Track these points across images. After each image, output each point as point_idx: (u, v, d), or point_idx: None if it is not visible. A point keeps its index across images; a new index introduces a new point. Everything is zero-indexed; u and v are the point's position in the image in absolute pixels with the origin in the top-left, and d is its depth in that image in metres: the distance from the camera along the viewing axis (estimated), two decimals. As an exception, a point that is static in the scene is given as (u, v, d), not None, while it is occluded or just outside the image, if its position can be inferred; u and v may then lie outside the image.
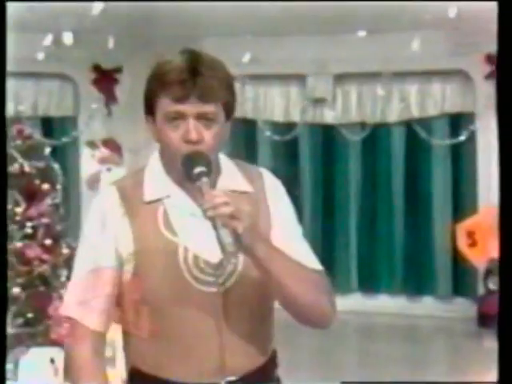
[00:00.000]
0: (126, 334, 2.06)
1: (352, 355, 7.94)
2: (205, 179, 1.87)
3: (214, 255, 1.94)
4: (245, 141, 9.80)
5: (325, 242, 9.49)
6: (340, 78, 9.34)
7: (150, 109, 1.97)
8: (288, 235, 2.05)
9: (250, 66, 9.18)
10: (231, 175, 2.04)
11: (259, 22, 8.16)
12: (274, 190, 2.09)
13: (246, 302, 2.01)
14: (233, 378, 2.00)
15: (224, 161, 2.07)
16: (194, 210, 1.93)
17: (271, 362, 2.11)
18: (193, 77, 1.88)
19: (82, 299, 2.00)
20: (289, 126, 9.59)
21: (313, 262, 2.07)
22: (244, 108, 9.59)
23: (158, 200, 1.97)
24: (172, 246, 1.94)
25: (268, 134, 9.55)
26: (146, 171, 2.04)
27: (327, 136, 9.59)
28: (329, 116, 9.50)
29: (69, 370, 2.05)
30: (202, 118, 1.91)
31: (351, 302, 9.29)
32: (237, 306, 1.99)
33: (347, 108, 9.46)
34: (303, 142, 9.62)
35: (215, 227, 1.82)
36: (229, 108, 1.97)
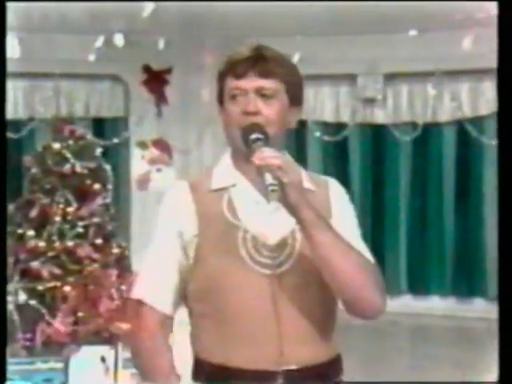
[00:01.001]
0: (191, 322, 2.11)
1: (402, 357, 7.88)
2: (260, 143, 1.95)
3: (272, 238, 2.01)
4: (295, 141, 9.78)
5: (374, 243, 9.43)
6: (391, 78, 9.28)
7: (220, 97, 2.11)
8: (345, 233, 2.03)
9: (299, 66, 9.15)
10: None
11: (309, 22, 8.15)
12: (339, 195, 2.17)
13: (303, 287, 2.01)
14: (292, 367, 1.99)
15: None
16: (258, 199, 2.02)
17: (334, 364, 2.10)
18: (253, 56, 2.06)
19: (151, 283, 2.08)
20: (339, 126, 9.56)
21: (367, 255, 2.06)
22: (294, 108, 9.61)
23: (224, 188, 2.07)
24: (233, 228, 2.02)
25: (318, 134, 9.53)
26: (215, 166, 2.15)
27: (377, 136, 9.54)
28: (379, 116, 9.45)
29: (137, 354, 2.10)
30: (260, 92, 2.03)
31: (401, 304, 9.23)
32: (293, 290, 2.00)
33: (398, 108, 9.40)
34: (353, 142, 9.58)
35: (261, 174, 1.88)
36: (292, 91, 2.08)
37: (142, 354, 2.07)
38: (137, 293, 2.10)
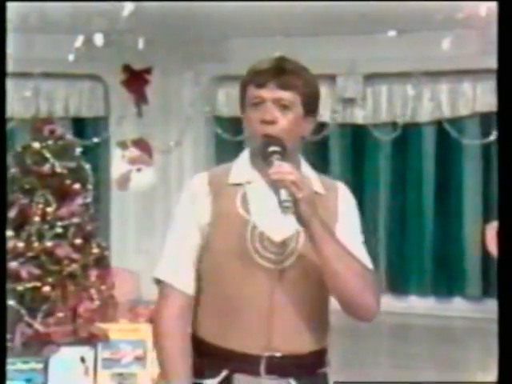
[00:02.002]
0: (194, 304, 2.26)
1: (383, 355, 7.92)
2: (276, 156, 2.11)
3: (278, 235, 2.18)
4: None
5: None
6: (370, 78, 9.32)
7: (242, 104, 2.27)
8: (349, 238, 2.19)
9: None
10: (309, 176, 2.26)
11: (289, 22, 8.17)
12: (346, 200, 2.31)
13: (302, 283, 2.18)
14: (274, 354, 2.17)
15: (305, 164, 2.33)
16: (270, 197, 2.15)
17: (319, 356, 2.27)
18: (274, 68, 2.19)
19: (172, 264, 2.25)
20: (319, 126, 9.57)
21: (367, 262, 2.23)
22: (274, 108, 9.62)
23: (240, 184, 2.24)
24: (243, 222, 2.18)
25: (298, 134, 9.54)
26: (235, 162, 2.32)
27: (357, 136, 9.57)
28: (359, 116, 9.49)
29: (156, 332, 2.24)
30: (278, 103, 2.17)
31: (381, 303, 9.27)
32: (292, 285, 2.17)
33: (378, 108, 9.44)
34: (333, 142, 9.61)
35: (277, 189, 2.05)
36: (308, 103, 2.22)
37: (159, 328, 2.22)
38: (160, 274, 2.26)
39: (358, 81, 9.28)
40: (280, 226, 2.16)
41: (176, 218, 2.28)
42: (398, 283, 9.37)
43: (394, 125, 9.34)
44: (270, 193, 2.18)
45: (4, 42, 2.31)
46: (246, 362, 2.17)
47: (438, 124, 9.20)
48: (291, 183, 2.04)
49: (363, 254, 2.23)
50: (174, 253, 2.25)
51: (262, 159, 2.16)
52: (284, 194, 2.03)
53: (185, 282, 2.22)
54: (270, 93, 2.17)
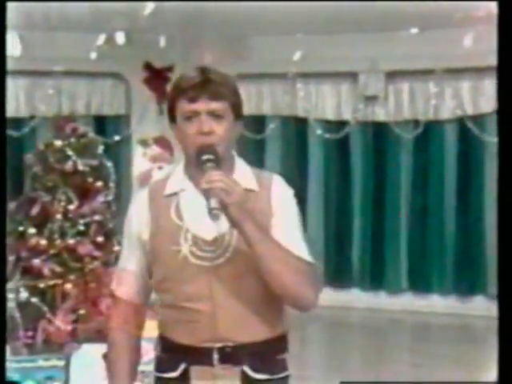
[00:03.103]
0: (156, 307, 2.44)
1: (404, 355, 7.89)
2: (210, 165, 2.23)
3: (209, 234, 2.31)
4: (296, 139, 9.79)
5: (375, 242, 9.45)
6: (392, 76, 9.28)
7: (172, 116, 2.36)
8: (284, 232, 2.30)
9: (301, 64, 9.18)
10: (243, 174, 2.36)
11: (310, 20, 8.15)
12: (280, 193, 2.37)
13: (238, 276, 2.30)
14: (226, 344, 2.31)
15: (239, 162, 2.41)
16: (202, 202, 2.25)
17: (275, 343, 2.37)
18: (203, 81, 2.29)
19: (119, 276, 2.45)
20: (340, 124, 9.56)
21: (304, 255, 2.31)
22: (295, 106, 9.60)
23: (175, 193, 2.37)
24: (177, 228, 2.33)
25: (319, 132, 9.54)
26: (171, 174, 2.44)
27: (379, 134, 9.54)
28: (381, 114, 9.45)
29: (107, 340, 2.44)
30: (212, 114, 2.28)
31: (402, 302, 9.24)
32: (229, 279, 2.30)
33: (399, 105, 9.40)
34: (355, 140, 9.58)
35: (207, 197, 2.17)
36: (236, 109, 2.33)
37: (108, 346, 2.44)
38: (112, 284, 2.46)
39: (379, 78, 9.25)
40: (210, 226, 2.27)
41: (123, 232, 2.46)
42: (419, 282, 9.33)
43: (415, 122, 9.29)
44: (201, 198, 2.27)
45: (4, 42, 2.31)
46: (200, 355, 2.32)
47: (460, 121, 9.15)
48: (220, 190, 2.15)
49: (301, 247, 2.31)
50: (122, 265, 2.45)
51: (197, 168, 2.26)
52: (213, 202, 2.15)
53: (127, 292, 2.42)
54: (203, 105, 2.27)
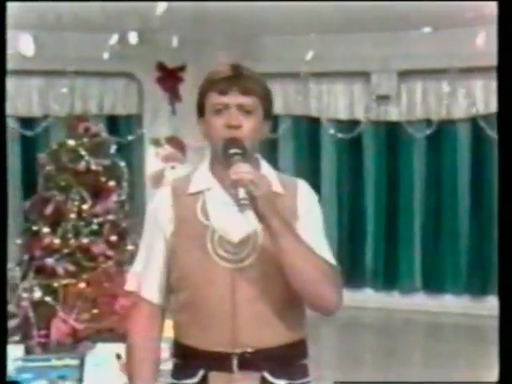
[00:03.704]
0: (172, 308, 2.41)
1: (416, 354, 7.88)
2: (237, 157, 2.20)
3: (235, 236, 2.29)
4: (308, 138, 9.79)
5: (388, 241, 9.43)
6: (405, 75, 9.26)
7: (201, 110, 2.37)
8: (309, 236, 2.27)
9: (313, 64, 9.17)
10: (268, 175, 2.31)
11: (322, 20, 8.14)
12: (306, 198, 2.37)
13: (263, 279, 2.28)
14: (246, 350, 2.26)
15: (264, 164, 2.40)
16: (228, 201, 2.28)
17: (294, 348, 2.34)
18: (234, 75, 2.31)
19: (139, 275, 2.40)
20: (353, 124, 9.55)
21: (328, 257, 2.31)
22: (308, 106, 9.59)
23: (200, 192, 2.35)
24: (203, 228, 2.30)
25: (332, 131, 9.53)
26: (195, 171, 2.43)
27: (392, 133, 9.52)
28: (393, 113, 9.43)
29: (127, 341, 2.40)
30: (241, 108, 2.28)
31: (415, 302, 9.22)
32: (254, 283, 2.27)
33: (412, 105, 9.38)
34: (367, 139, 9.57)
35: (235, 188, 2.15)
36: (266, 107, 2.33)
37: (130, 348, 2.40)
38: (130, 285, 2.43)
39: (392, 78, 9.23)
40: (237, 227, 2.27)
41: (144, 231, 2.45)
42: (432, 282, 9.31)
43: (428, 122, 9.27)
44: (227, 198, 2.29)
45: (4, 42, 2.31)
46: (219, 361, 2.27)
47: (473, 121, 9.12)
48: (249, 182, 2.14)
49: (325, 250, 2.31)
50: (142, 265, 2.42)
51: (223, 165, 2.25)
52: (242, 192, 2.14)
53: (150, 292, 2.38)
54: (233, 99, 2.27)
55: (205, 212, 2.31)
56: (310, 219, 2.33)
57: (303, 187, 2.39)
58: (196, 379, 2.31)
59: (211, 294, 2.27)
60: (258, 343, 2.27)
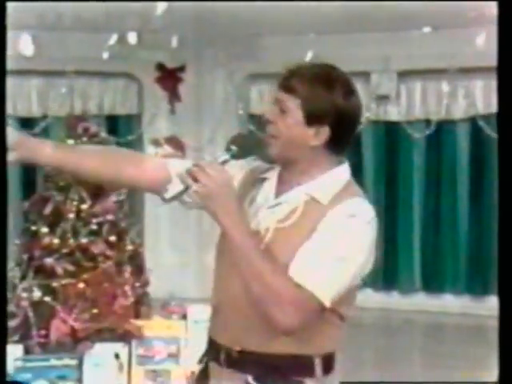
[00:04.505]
0: None
1: (416, 355, 7.88)
2: (223, 157, 2.15)
3: None
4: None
5: (388, 241, 9.43)
6: (404, 75, 9.26)
7: None
8: (306, 248, 2.09)
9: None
10: (320, 185, 2.19)
11: (322, 20, 8.14)
12: (336, 216, 2.13)
13: None
14: (233, 347, 2.19)
15: (329, 175, 2.23)
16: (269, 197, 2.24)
17: (295, 361, 2.16)
18: (289, 73, 2.19)
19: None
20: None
21: (300, 279, 2.06)
22: (307, 106, 9.59)
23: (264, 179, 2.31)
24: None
25: (331, 131, 9.52)
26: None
27: (391, 133, 9.53)
28: (393, 113, 9.44)
29: None
30: (277, 104, 2.17)
31: (415, 302, 9.22)
32: None
33: (411, 105, 9.39)
34: (367, 139, 9.57)
35: (186, 178, 2.08)
36: (310, 111, 2.13)
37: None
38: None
39: (391, 78, 9.23)
40: (252, 225, 2.16)
41: None
42: (432, 282, 9.31)
43: (427, 122, 9.28)
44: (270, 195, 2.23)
45: (4, 42, 2.31)
46: (214, 351, 2.26)
47: (473, 121, 9.13)
48: (200, 175, 2.05)
49: (305, 271, 2.06)
50: None
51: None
52: (188, 183, 2.08)
53: None
54: (276, 94, 2.19)
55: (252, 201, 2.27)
56: (319, 236, 2.10)
57: (348, 204, 2.17)
58: (202, 365, 2.35)
59: (219, 285, 2.27)
60: (247, 344, 2.17)
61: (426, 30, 8.52)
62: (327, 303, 2.07)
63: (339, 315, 2.22)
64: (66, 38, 8.81)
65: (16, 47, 8.83)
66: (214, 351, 2.27)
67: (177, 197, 2.13)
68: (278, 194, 2.19)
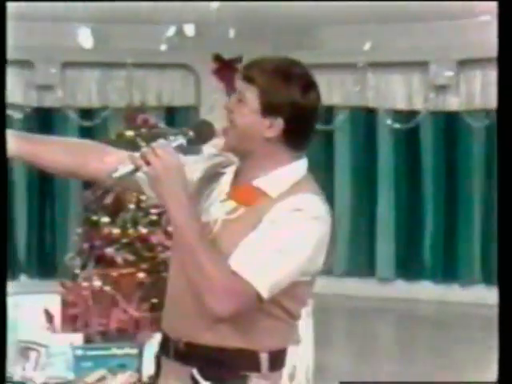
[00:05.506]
0: None
1: (475, 348, 7.80)
2: (179, 141, 2.14)
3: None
4: (365, 129, 9.73)
5: (448, 233, 9.34)
6: (463, 64, 9.15)
7: None
8: (247, 240, 2.06)
9: (371, 54, 9.11)
10: (273, 180, 2.14)
11: (380, 10, 8.08)
12: (282, 210, 2.08)
13: None
14: (180, 339, 2.16)
15: (284, 170, 2.16)
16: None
17: (241, 355, 2.13)
18: (250, 65, 2.18)
19: None
20: (411, 114, 9.47)
21: (237, 265, 2.03)
22: (366, 96, 9.53)
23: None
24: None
25: (389, 122, 9.46)
26: None
27: (450, 123, 9.42)
28: (452, 103, 9.34)
29: None
30: (238, 94, 2.16)
31: (475, 294, 9.11)
32: None
33: (471, 94, 9.28)
34: (425, 129, 9.49)
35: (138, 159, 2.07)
36: (267, 102, 2.11)
37: None
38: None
39: (450, 67, 9.13)
40: (204, 214, 2.16)
41: None
42: (493, 273, 9.19)
43: (487, 111, 9.15)
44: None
45: (4, 42, 2.33)
46: (165, 344, 2.23)
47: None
48: (150, 156, 2.04)
49: (246, 262, 2.03)
50: None
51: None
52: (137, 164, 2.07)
53: None
54: (238, 84, 2.18)
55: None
56: (262, 228, 2.06)
57: (295, 200, 2.09)
58: (156, 359, 2.31)
59: (169, 276, 2.25)
60: (194, 337, 2.14)
61: (485, 18, 8.39)
62: (264, 293, 2.03)
63: (287, 311, 2.16)
64: (124, 30, 8.90)
65: (76, 40, 8.95)
66: (164, 345, 2.24)
67: (124, 177, 2.10)
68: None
